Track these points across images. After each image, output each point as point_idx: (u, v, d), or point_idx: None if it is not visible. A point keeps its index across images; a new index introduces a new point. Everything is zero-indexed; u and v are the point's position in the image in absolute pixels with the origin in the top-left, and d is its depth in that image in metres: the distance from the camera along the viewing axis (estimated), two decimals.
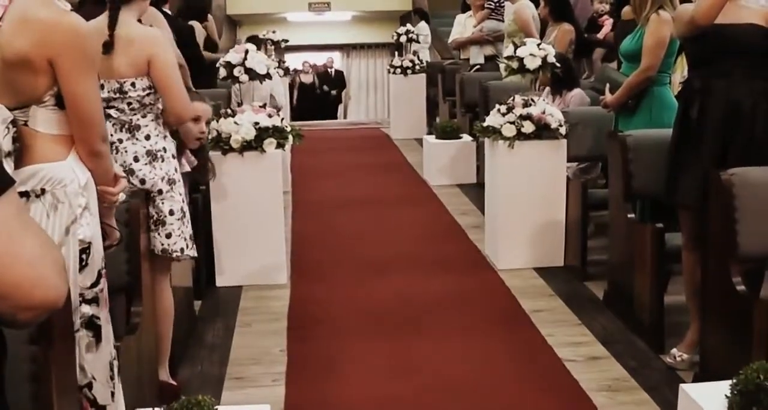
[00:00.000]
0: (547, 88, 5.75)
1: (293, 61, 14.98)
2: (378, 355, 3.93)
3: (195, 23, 6.89)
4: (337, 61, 17.85)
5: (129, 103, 3.17)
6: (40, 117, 2.27)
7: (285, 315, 4.48)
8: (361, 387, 3.61)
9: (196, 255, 3.49)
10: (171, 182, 3.26)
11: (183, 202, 3.35)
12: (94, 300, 2.36)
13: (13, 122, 2.22)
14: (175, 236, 3.30)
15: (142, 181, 3.20)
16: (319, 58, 17.23)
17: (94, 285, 2.36)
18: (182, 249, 3.34)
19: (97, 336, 2.38)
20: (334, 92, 17.19)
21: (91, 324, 2.36)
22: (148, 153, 3.21)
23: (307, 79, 16.80)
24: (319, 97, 16.84)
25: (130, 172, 3.16)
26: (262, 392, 3.57)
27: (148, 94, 3.18)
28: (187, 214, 3.40)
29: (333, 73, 17.35)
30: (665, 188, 3.77)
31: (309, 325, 4.34)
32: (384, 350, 3.99)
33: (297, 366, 3.82)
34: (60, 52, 2.21)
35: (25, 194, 2.22)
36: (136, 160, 3.19)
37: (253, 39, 8.59)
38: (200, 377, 3.75)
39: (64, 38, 2.21)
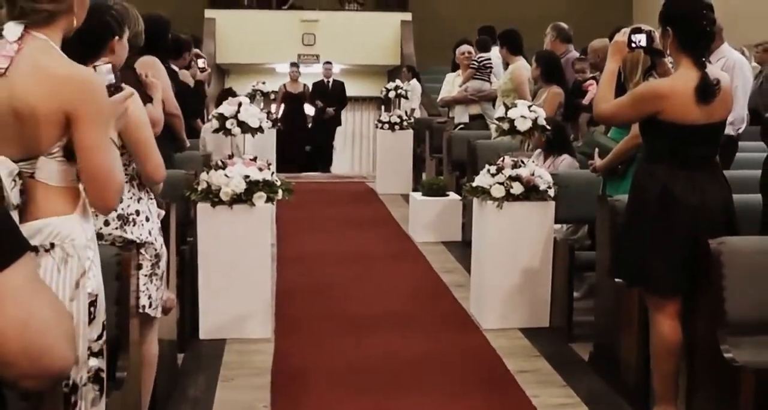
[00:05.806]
0: (539, 150, 5.81)
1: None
2: None
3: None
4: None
5: None
6: (48, 169, 2.24)
7: (269, 370, 4.44)
8: None
9: (157, 316, 3.31)
10: (140, 246, 3.12)
11: (157, 262, 3.20)
12: (100, 353, 2.33)
13: (19, 174, 2.19)
14: (138, 291, 3.12)
15: (112, 244, 3.07)
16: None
17: (99, 337, 2.33)
18: (144, 307, 3.18)
19: (101, 390, 2.34)
20: (331, 110, 13.43)
21: (97, 378, 2.32)
22: (119, 217, 3.08)
23: (295, 88, 13.30)
24: (310, 115, 13.23)
25: (99, 236, 2.98)
26: None
27: (122, 154, 3.00)
28: (161, 275, 3.25)
29: (331, 85, 13.56)
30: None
31: (293, 381, 4.29)
32: (368, 408, 3.95)
33: None
34: (75, 105, 2.19)
35: (34, 249, 2.18)
36: (106, 224, 3.05)
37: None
38: None
39: (79, 90, 2.21)
